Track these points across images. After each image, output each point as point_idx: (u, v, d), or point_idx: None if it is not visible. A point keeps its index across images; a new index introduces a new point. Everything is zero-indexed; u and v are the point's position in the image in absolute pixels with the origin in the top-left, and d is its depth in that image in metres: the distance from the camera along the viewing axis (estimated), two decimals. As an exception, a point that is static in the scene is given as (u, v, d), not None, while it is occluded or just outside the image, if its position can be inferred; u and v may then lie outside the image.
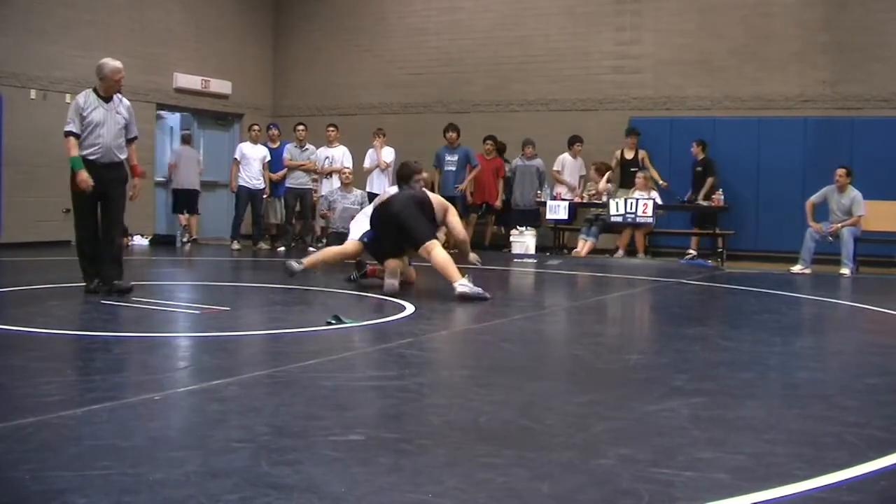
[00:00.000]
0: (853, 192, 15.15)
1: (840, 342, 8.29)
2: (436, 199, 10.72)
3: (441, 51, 20.72)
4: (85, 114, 9.51)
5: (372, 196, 17.22)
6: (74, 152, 9.42)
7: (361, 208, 16.42)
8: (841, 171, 15.19)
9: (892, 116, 17.09)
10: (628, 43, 19.08)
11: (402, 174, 11.00)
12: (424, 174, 11.35)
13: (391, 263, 10.21)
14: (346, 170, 17.02)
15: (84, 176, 9.39)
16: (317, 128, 18.91)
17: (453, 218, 10.81)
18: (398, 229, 10.26)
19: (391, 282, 10.06)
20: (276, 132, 18.85)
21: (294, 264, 10.72)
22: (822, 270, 14.89)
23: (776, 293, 11.61)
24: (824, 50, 17.57)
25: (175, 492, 3.31)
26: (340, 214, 16.34)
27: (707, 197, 17.22)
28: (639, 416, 4.72)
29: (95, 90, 9.73)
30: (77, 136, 9.45)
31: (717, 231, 16.77)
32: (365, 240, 10.81)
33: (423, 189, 10.89)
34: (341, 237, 16.14)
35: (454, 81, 20.56)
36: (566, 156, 18.57)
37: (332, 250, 11.23)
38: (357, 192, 16.75)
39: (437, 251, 9.99)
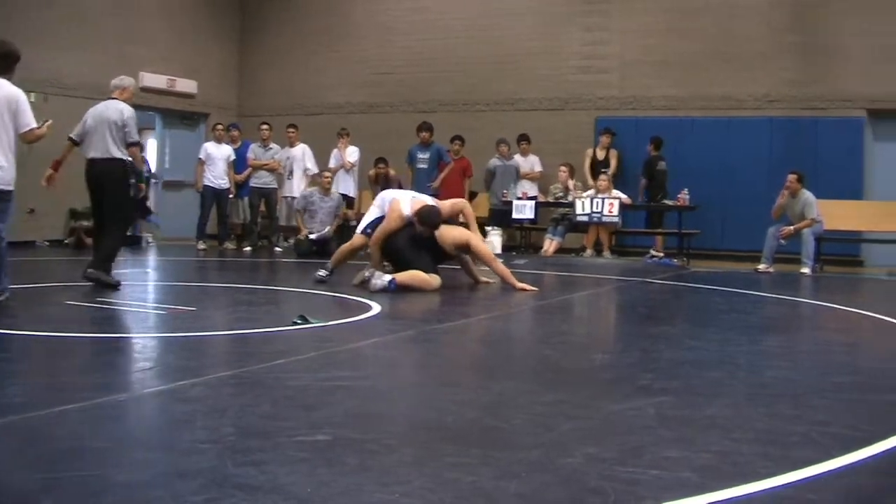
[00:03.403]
0: (805, 196, 15.23)
1: (806, 341, 8.34)
2: (451, 235, 10.92)
3: (408, 50, 20.72)
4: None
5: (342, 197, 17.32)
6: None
7: (338, 211, 16.50)
8: (791, 177, 15.28)
9: (855, 117, 17.23)
10: (596, 43, 19.13)
11: (429, 221, 10.81)
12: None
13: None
14: (327, 174, 16.97)
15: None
16: (283, 127, 18.84)
17: (476, 245, 11.08)
18: (398, 260, 10.84)
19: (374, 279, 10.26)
20: (236, 132, 18.83)
21: (323, 273, 11.08)
22: (787, 269, 14.98)
23: (742, 292, 11.66)
24: (790, 50, 17.68)
25: (141, 493, 3.30)
26: (321, 219, 16.35)
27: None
28: (605, 415, 4.73)
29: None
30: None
31: (683, 230, 16.82)
32: (369, 231, 11.09)
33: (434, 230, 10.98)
34: (314, 240, 16.16)
35: (421, 81, 20.57)
36: (517, 157, 18.66)
37: (344, 249, 11.43)
38: (336, 196, 16.75)
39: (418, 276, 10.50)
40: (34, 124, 8.46)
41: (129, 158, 10.24)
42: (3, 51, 8.59)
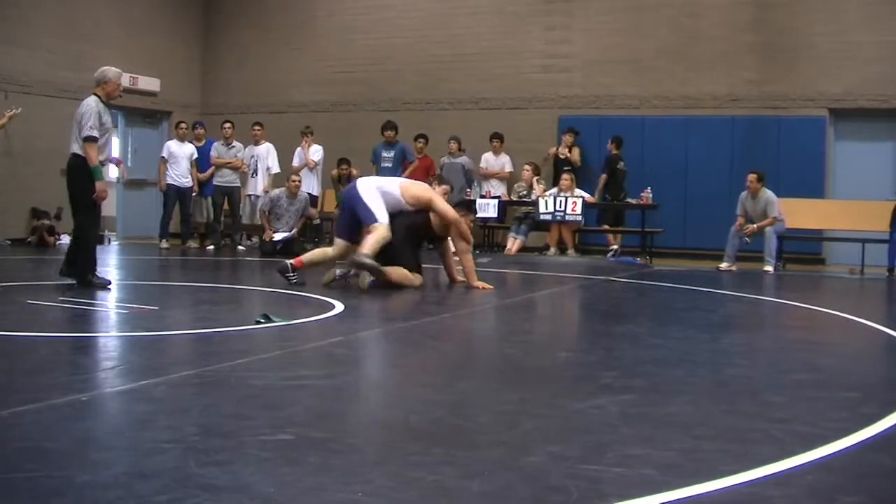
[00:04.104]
0: (766, 195, 15.33)
1: (767, 338, 8.39)
2: (438, 216, 10.96)
3: (371, 49, 20.73)
4: (103, 119, 10.10)
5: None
6: (97, 160, 9.99)
7: (304, 211, 16.44)
8: (752, 177, 15.37)
9: (817, 116, 17.35)
10: (558, 42, 19.19)
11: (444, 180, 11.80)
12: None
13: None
14: (296, 178, 16.91)
15: (105, 186, 10.25)
16: (246, 126, 18.79)
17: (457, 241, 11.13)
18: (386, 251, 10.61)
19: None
20: (201, 131, 18.72)
21: (339, 271, 10.67)
22: (749, 267, 15.06)
23: (704, 290, 11.72)
24: (751, 50, 17.79)
25: (103, 493, 3.27)
26: (287, 221, 16.30)
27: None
28: (568, 413, 4.74)
29: (97, 96, 10.20)
30: (97, 140, 9.98)
31: (645, 229, 16.87)
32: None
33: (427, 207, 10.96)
34: (278, 241, 16.10)
35: (384, 80, 20.58)
36: (489, 154, 18.71)
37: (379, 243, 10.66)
38: (303, 198, 16.69)
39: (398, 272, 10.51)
40: None
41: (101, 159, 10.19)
42: None
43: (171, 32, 21.73)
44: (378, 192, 10.76)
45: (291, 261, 10.72)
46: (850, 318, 9.36)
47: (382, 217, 10.47)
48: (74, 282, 10.03)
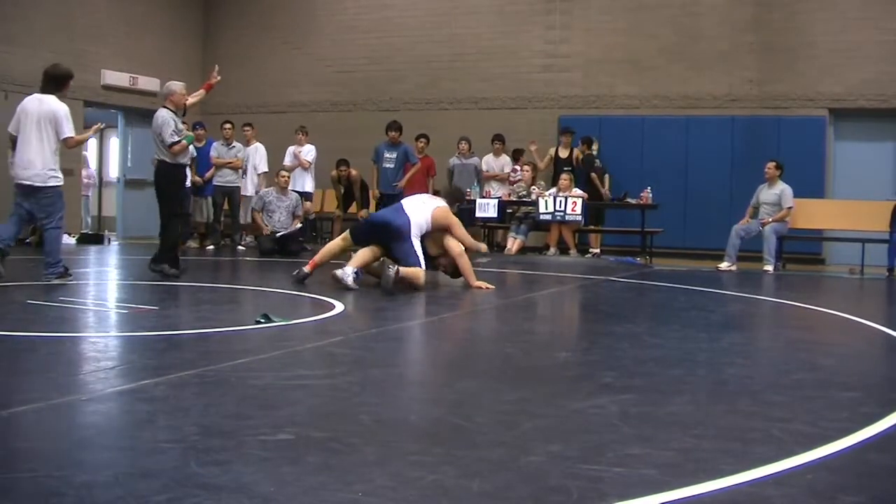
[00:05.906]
0: (782, 185, 15.38)
1: (767, 338, 8.40)
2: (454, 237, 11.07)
3: (371, 49, 20.75)
4: (179, 126, 11.38)
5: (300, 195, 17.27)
6: (187, 147, 11.53)
7: (296, 210, 16.47)
8: (770, 164, 15.43)
9: (817, 116, 17.36)
10: (558, 42, 19.19)
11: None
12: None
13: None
14: (284, 173, 16.96)
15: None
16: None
17: (452, 242, 11.06)
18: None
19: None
20: (202, 131, 18.68)
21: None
22: (749, 267, 15.06)
23: (704, 290, 11.72)
24: (751, 50, 17.80)
25: (103, 493, 3.27)
26: (279, 217, 16.32)
27: None
28: (568, 413, 4.74)
29: (167, 108, 11.49)
30: (179, 142, 11.30)
31: (645, 229, 16.86)
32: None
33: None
34: (276, 238, 16.10)
35: (385, 79, 20.60)
36: (489, 156, 18.70)
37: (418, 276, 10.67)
38: (293, 195, 16.74)
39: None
40: (68, 134, 10.29)
41: (175, 160, 11.39)
42: (58, 73, 10.63)
43: (171, 32, 21.74)
44: (420, 232, 10.79)
45: (306, 268, 10.78)
46: (850, 318, 9.36)
47: (423, 262, 10.55)
48: (177, 271, 11.45)
